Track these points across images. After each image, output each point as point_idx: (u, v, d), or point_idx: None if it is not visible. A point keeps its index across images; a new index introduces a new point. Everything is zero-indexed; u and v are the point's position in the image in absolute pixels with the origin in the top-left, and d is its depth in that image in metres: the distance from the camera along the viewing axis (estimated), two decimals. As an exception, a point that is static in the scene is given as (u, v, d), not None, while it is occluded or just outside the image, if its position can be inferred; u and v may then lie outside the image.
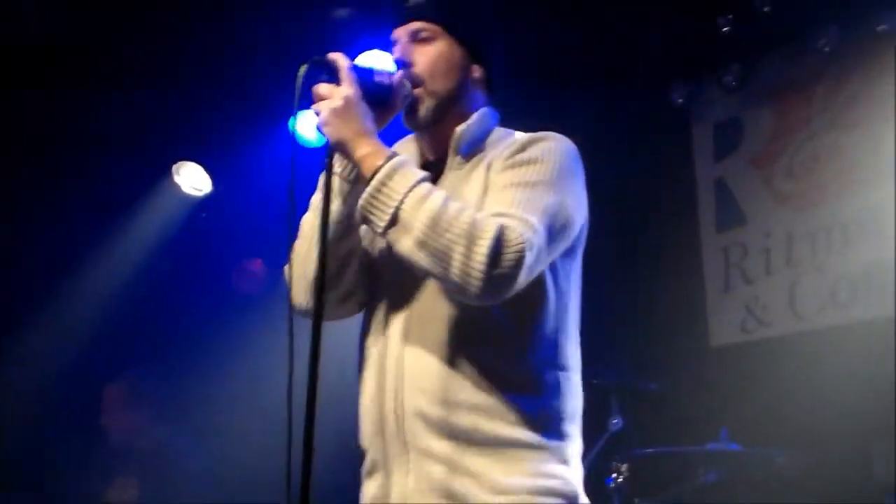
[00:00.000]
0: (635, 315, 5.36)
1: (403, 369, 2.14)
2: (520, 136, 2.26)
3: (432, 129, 2.29)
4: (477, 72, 2.31)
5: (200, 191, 5.61)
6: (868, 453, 4.44)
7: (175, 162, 5.55)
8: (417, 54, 2.27)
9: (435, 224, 1.97)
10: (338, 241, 2.19)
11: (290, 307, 2.15)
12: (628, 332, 5.31)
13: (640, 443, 4.39)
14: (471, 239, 1.96)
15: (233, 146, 5.46)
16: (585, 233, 2.25)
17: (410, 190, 2.01)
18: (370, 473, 2.21)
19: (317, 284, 2.03)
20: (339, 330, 2.28)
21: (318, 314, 2.01)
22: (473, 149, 2.27)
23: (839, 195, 4.98)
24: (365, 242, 2.29)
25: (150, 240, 5.56)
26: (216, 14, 4.96)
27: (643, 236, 5.48)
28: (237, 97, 5.37)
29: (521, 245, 1.97)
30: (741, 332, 5.20)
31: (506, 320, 2.10)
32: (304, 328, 2.05)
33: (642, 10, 5.38)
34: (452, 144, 2.25)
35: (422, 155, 2.35)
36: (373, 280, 2.29)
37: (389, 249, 2.15)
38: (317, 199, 2.26)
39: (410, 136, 2.39)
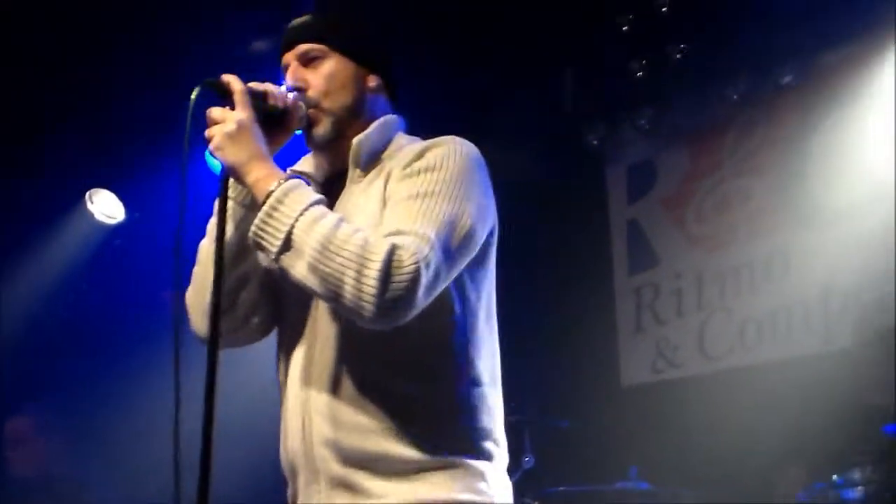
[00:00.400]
0: (548, 354, 5.39)
1: (309, 396, 2.10)
2: (417, 143, 2.19)
3: (334, 144, 2.24)
4: (373, 81, 2.26)
5: (114, 218, 5.53)
6: (772, 493, 4.52)
7: (89, 189, 5.47)
8: (309, 76, 2.22)
9: (325, 248, 1.92)
10: (233, 266, 2.14)
11: (175, 334, 2.03)
12: (541, 370, 5.34)
13: (552, 481, 4.41)
14: (361, 262, 1.90)
15: (147, 174, 5.40)
16: (496, 239, 2.18)
17: (302, 213, 1.96)
18: (292, 501, 2.19)
19: (211, 311, 1.98)
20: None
21: (213, 340, 1.96)
22: (373, 159, 2.21)
23: (748, 238, 5.09)
24: (266, 264, 2.22)
25: (61, 268, 5.44)
26: (133, 40, 4.91)
27: (557, 276, 5.53)
28: (152, 124, 5.31)
29: (414, 265, 1.91)
30: (652, 372, 5.28)
31: (412, 339, 2.03)
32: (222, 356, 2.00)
33: (557, 52, 5.48)
34: (351, 157, 2.20)
35: (325, 170, 2.30)
36: (278, 304, 2.24)
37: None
38: (213, 225, 2.19)
39: (312, 153, 2.33)
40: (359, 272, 1.90)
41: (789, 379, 4.64)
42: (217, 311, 1.99)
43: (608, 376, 5.38)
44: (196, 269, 2.20)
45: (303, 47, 2.24)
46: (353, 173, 2.21)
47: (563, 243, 5.53)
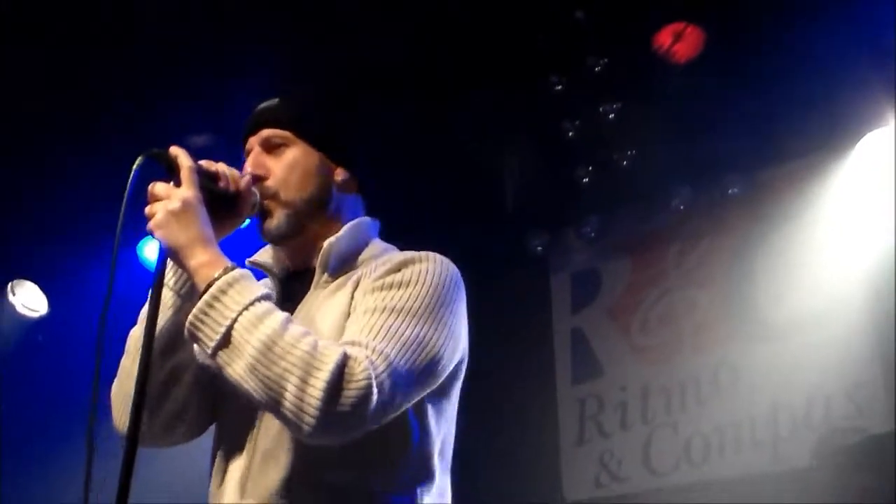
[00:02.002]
0: (489, 467, 5.18)
1: None
2: (395, 254, 2.04)
3: (291, 240, 2.08)
4: (341, 175, 2.10)
5: (36, 311, 5.29)
6: None
7: (10, 280, 5.24)
8: (271, 163, 2.07)
9: (269, 349, 1.73)
10: (164, 359, 1.95)
11: (89, 428, 1.83)
12: (482, 484, 5.12)
13: None
14: (307, 369, 1.71)
15: (73, 264, 5.19)
16: (465, 368, 2.01)
17: (246, 308, 1.78)
18: None
19: (133, 406, 1.78)
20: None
21: (131, 439, 1.76)
22: (343, 265, 2.04)
23: (695, 351, 4.99)
24: (202, 359, 2.03)
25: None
26: (64, 130, 4.75)
27: (499, 385, 5.35)
28: (78, 213, 5.14)
29: (365, 381, 1.72)
30: (595, 486, 5.09)
31: (357, 462, 1.85)
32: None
33: (502, 158, 5.42)
34: (320, 259, 2.03)
35: (286, 265, 2.13)
36: (213, 404, 2.04)
37: None
38: (145, 312, 1.99)
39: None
40: (303, 380, 1.72)
41: (737, 497, 4.49)
42: (140, 406, 1.78)
43: (550, 491, 5.18)
44: (123, 361, 2.00)
45: (266, 132, 2.09)
46: (319, 277, 2.03)
47: (506, 352, 5.37)
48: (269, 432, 1.91)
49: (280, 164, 2.07)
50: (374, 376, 1.74)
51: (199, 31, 4.46)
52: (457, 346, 1.95)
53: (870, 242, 4.50)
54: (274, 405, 1.75)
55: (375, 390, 1.74)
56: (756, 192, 4.90)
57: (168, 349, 1.96)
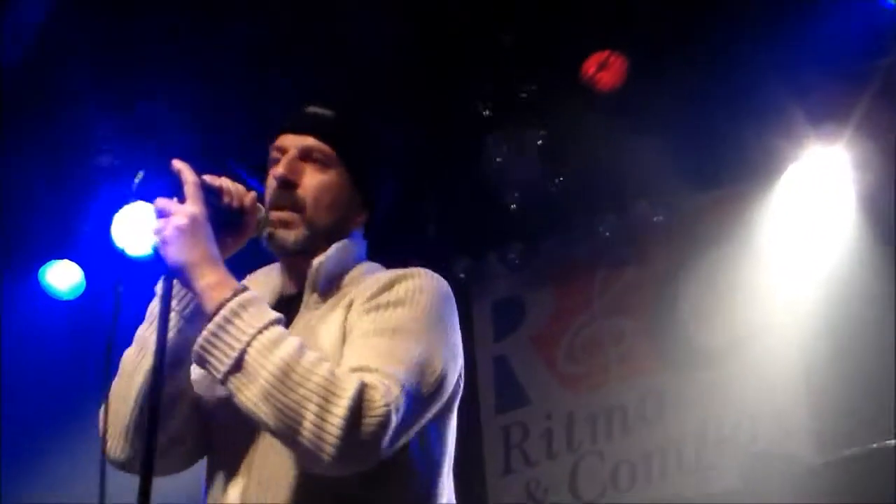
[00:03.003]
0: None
1: None
2: (383, 273, 1.97)
3: (295, 259, 2.01)
4: (361, 216, 2.04)
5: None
6: None
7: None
8: (306, 175, 1.98)
9: (286, 376, 1.67)
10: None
11: (103, 453, 1.80)
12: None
13: None
14: (326, 396, 1.65)
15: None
16: (462, 385, 1.96)
17: (260, 332, 1.71)
18: None
19: (147, 433, 1.71)
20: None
21: (147, 466, 1.67)
22: (332, 285, 1.98)
23: (620, 379, 5.00)
24: (200, 387, 1.96)
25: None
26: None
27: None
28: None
29: (385, 408, 1.67)
30: (521, 514, 5.06)
31: (362, 486, 1.78)
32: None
33: (422, 183, 5.38)
34: (309, 279, 1.96)
35: (276, 290, 2.05)
36: (210, 431, 1.96)
37: (230, 398, 1.81)
38: (143, 332, 1.93)
39: (268, 268, 2.09)
40: (322, 408, 1.65)
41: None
42: (154, 430, 1.72)
43: (476, 520, 5.12)
44: (115, 382, 1.90)
45: (311, 142, 1.99)
46: (308, 297, 1.96)
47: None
48: (266, 459, 1.84)
49: (315, 181, 1.99)
50: (390, 402, 1.69)
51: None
52: (458, 361, 1.91)
53: (793, 270, 4.58)
54: (290, 433, 1.67)
55: (393, 416, 1.68)
56: (680, 219, 4.95)
57: (167, 376, 1.85)
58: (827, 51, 4.28)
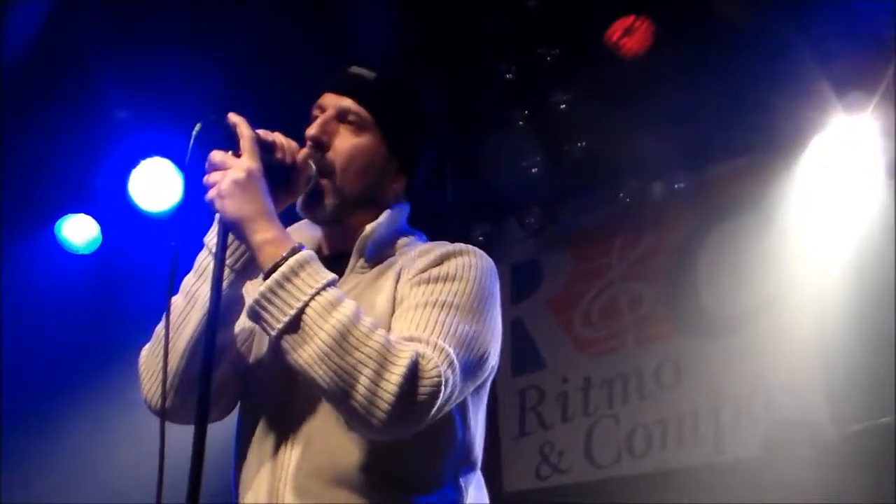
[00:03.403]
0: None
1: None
2: (431, 245, 2.00)
3: (331, 225, 2.03)
4: (398, 182, 2.04)
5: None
6: None
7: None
8: (338, 138, 1.98)
9: (343, 338, 1.68)
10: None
11: (163, 396, 1.81)
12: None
13: None
14: (382, 363, 1.68)
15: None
16: (498, 363, 1.99)
17: (318, 293, 1.72)
18: None
19: (200, 384, 1.72)
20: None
21: (202, 416, 1.70)
22: (381, 252, 1.99)
23: (637, 344, 5.01)
24: (242, 343, 1.97)
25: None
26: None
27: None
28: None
29: (437, 379, 1.71)
30: (536, 478, 5.08)
31: (406, 455, 1.83)
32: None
33: (443, 146, 5.36)
34: (358, 244, 1.97)
35: (318, 246, 2.05)
36: (250, 388, 1.97)
37: (275, 355, 1.83)
38: (190, 283, 1.93)
39: (305, 222, 2.09)
40: (377, 373, 1.68)
41: (678, 488, 4.53)
42: (207, 383, 1.72)
43: (490, 481, 5.12)
44: (159, 328, 1.91)
45: (348, 103, 1.99)
46: (355, 262, 1.97)
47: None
48: (304, 417, 1.86)
49: (347, 144, 1.98)
50: (442, 373, 1.72)
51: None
52: (499, 341, 1.95)
53: (814, 240, 4.57)
54: (342, 396, 1.69)
55: (443, 387, 1.72)
56: (701, 187, 4.94)
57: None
58: (853, 17, 4.25)
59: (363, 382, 1.68)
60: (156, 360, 1.91)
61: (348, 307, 1.73)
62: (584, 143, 4.94)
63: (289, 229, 2.03)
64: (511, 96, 4.96)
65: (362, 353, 1.69)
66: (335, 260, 2.01)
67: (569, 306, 5.29)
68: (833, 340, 4.37)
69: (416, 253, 1.96)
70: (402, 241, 2.04)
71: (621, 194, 5.08)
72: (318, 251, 2.04)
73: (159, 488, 1.71)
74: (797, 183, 4.55)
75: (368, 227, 1.97)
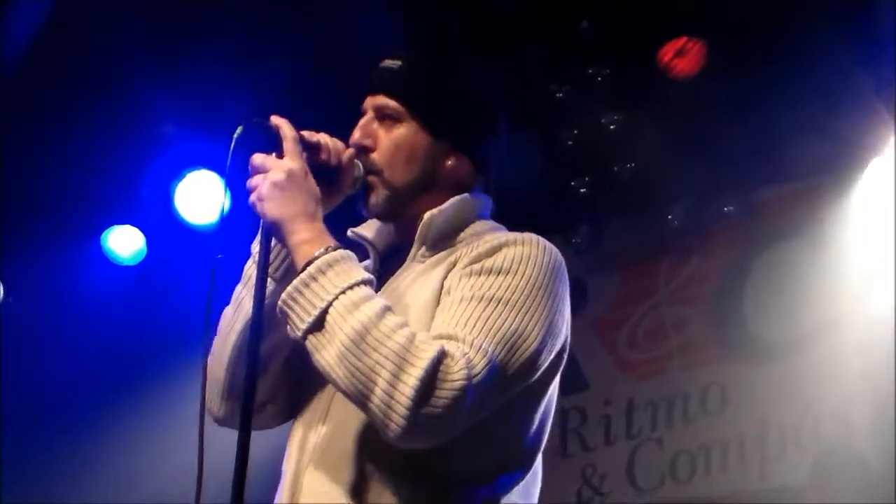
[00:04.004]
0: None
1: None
2: (496, 234, 1.90)
3: (393, 218, 1.99)
4: (452, 160, 1.95)
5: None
6: None
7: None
8: (381, 135, 1.95)
9: (361, 338, 1.62)
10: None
11: (202, 406, 1.80)
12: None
13: None
14: (400, 364, 1.60)
15: (30, 258, 5.05)
16: (566, 357, 1.91)
17: (343, 291, 1.66)
18: None
19: (245, 389, 1.71)
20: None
21: (246, 422, 1.69)
22: (444, 242, 1.92)
23: (682, 368, 4.96)
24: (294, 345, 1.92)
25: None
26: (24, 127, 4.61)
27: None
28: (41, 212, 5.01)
29: (462, 381, 1.61)
30: (577, 501, 5.04)
31: (443, 449, 1.71)
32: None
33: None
34: (419, 232, 1.91)
35: (388, 240, 2.03)
36: (301, 391, 1.94)
37: None
38: (239, 292, 1.92)
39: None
40: (395, 375, 1.60)
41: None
42: (252, 389, 1.71)
43: (530, 503, 5.10)
44: (216, 341, 1.91)
45: (380, 100, 1.95)
46: (416, 250, 1.92)
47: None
48: (344, 423, 1.82)
49: (388, 140, 1.95)
50: (470, 376, 1.63)
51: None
52: (557, 338, 1.83)
53: (865, 268, 4.51)
54: (361, 399, 1.64)
55: (470, 391, 1.62)
56: (751, 211, 4.89)
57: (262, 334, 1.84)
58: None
59: (380, 385, 1.60)
60: (214, 372, 1.91)
61: (373, 306, 1.66)
62: (633, 165, 4.90)
63: (363, 225, 2.02)
64: (561, 116, 4.94)
65: (380, 353, 1.61)
66: (401, 251, 1.97)
67: (613, 327, 5.25)
68: (884, 368, 4.31)
69: (479, 242, 1.88)
70: (473, 229, 1.94)
71: (670, 216, 5.03)
72: (390, 245, 2.01)
73: (198, 497, 1.72)
74: (853, 207, 4.49)
75: (427, 215, 1.91)
